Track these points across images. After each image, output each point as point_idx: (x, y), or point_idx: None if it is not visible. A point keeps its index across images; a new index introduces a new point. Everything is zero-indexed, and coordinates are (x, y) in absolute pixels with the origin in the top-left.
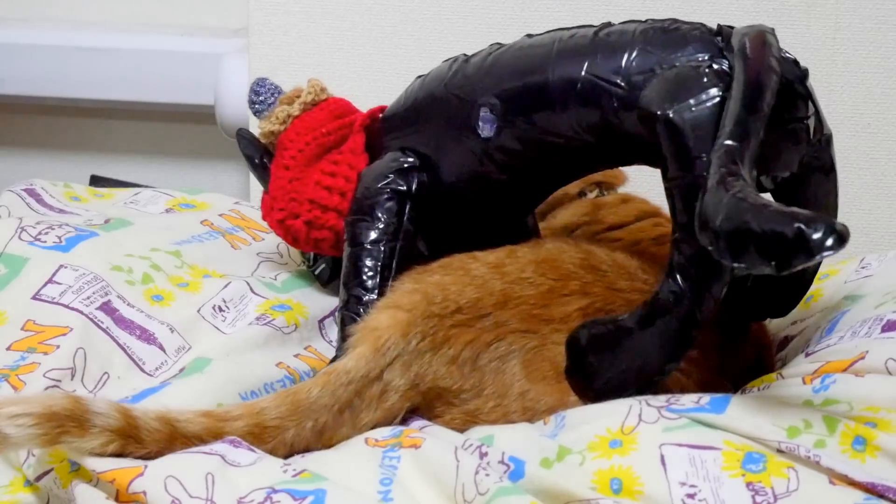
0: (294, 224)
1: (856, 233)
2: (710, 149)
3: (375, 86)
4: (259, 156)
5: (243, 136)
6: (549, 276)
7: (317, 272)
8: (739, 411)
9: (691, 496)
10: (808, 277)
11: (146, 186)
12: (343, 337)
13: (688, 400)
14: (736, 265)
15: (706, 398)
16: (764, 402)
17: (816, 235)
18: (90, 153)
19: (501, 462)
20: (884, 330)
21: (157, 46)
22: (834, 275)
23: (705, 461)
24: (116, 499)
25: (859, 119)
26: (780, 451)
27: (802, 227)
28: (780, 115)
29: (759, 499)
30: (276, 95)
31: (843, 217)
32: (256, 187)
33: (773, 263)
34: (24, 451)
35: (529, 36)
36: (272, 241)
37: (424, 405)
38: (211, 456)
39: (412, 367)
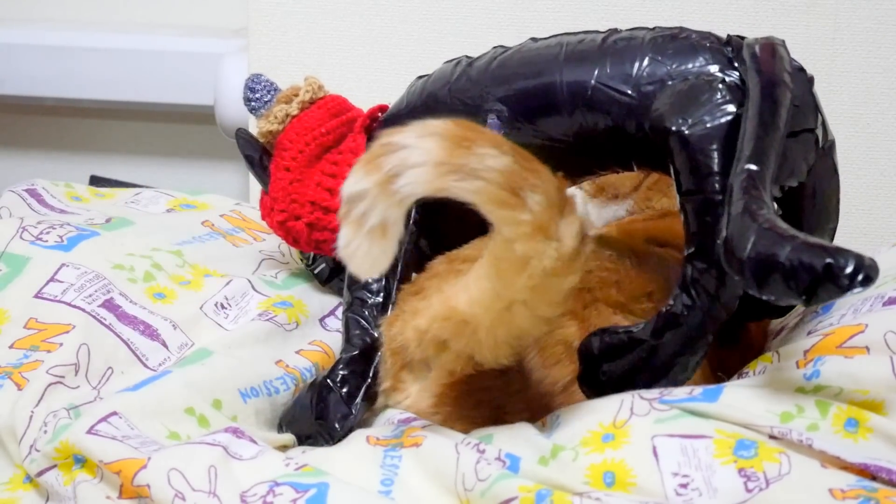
0: (295, 225)
1: (855, 233)
2: (723, 164)
3: (375, 86)
4: (258, 156)
5: (242, 137)
6: None
7: (316, 271)
8: (732, 399)
9: (684, 486)
10: None
11: (146, 186)
12: (349, 338)
13: (680, 391)
14: (763, 296)
15: (699, 389)
16: (757, 390)
17: (847, 270)
18: (90, 153)
19: (498, 459)
20: (885, 305)
21: (157, 46)
22: None
23: (697, 450)
24: (121, 494)
25: (859, 119)
26: (772, 437)
27: (832, 261)
28: (791, 126)
29: (751, 484)
30: (272, 93)
31: (842, 217)
32: (256, 188)
33: (802, 297)
34: (27, 447)
35: (534, 40)
36: (273, 240)
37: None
38: (214, 447)
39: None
